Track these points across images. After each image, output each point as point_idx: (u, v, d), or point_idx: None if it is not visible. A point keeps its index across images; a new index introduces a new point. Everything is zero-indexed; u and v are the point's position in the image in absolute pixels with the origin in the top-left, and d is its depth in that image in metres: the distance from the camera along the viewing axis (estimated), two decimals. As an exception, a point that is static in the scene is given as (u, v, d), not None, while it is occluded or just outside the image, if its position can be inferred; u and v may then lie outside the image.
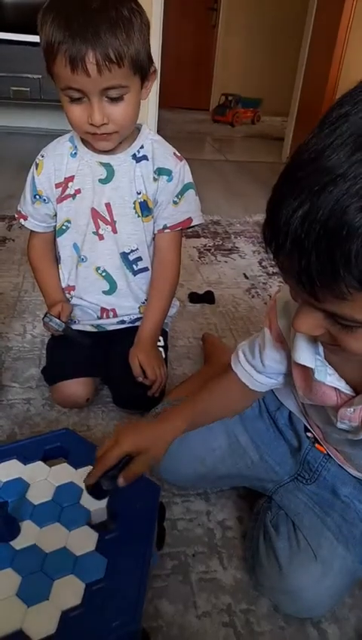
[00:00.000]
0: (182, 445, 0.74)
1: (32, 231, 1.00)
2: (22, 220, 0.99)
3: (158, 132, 0.99)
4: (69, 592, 0.58)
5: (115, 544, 0.63)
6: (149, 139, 0.92)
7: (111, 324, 1.03)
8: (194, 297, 1.38)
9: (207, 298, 1.39)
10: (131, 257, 0.98)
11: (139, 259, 0.98)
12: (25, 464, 0.73)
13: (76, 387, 0.97)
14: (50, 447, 0.77)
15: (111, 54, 0.72)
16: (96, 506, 0.68)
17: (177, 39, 4.84)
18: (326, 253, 0.34)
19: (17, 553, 0.61)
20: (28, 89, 2.60)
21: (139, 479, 0.72)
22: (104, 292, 1.00)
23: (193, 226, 0.98)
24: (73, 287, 1.01)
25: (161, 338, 1.04)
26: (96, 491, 0.67)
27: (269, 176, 2.17)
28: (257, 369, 0.69)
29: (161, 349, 1.03)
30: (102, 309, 1.02)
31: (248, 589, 0.70)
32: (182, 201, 0.94)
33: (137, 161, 0.91)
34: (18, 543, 0.63)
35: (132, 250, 0.97)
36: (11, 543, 0.63)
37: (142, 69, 0.79)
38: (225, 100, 4.81)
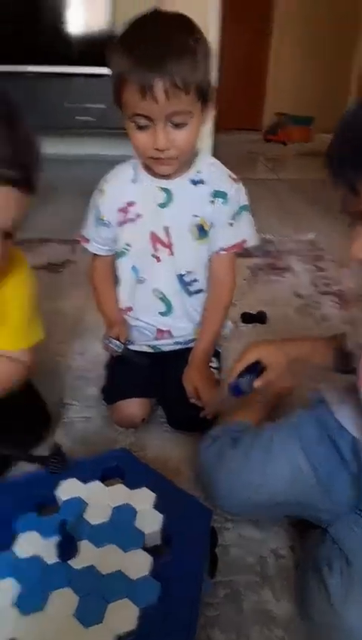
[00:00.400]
0: (238, 471, 0.74)
1: (94, 254, 1.06)
2: (84, 244, 1.05)
3: (214, 155, 1.02)
4: (123, 616, 0.59)
5: (167, 569, 0.64)
6: (206, 163, 0.96)
7: (167, 344, 1.06)
8: (246, 317, 1.38)
9: (259, 318, 1.38)
10: (187, 279, 1.00)
11: (195, 280, 1.01)
12: (84, 483, 0.76)
13: (133, 407, 0.99)
14: (108, 467, 0.79)
15: (178, 82, 0.77)
16: (151, 529, 0.69)
17: (231, 67, 4.90)
18: None
19: (76, 573, 0.64)
20: (91, 118, 2.73)
21: (192, 504, 0.73)
22: (160, 313, 1.03)
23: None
24: (131, 308, 1.05)
25: (214, 359, 1.05)
26: (234, 390, 0.84)
27: (321, 193, 2.13)
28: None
29: (214, 370, 1.04)
30: (159, 330, 1.04)
31: (302, 622, 0.68)
32: (237, 223, 0.97)
33: (195, 185, 0.94)
34: (76, 563, 0.65)
35: (188, 272, 1.00)
36: (69, 562, 0.65)
37: (204, 95, 0.83)
38: (277, 119, 4.84)
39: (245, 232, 0.99)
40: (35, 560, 0.65)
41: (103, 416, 1.06)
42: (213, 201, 0.95)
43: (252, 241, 1.00)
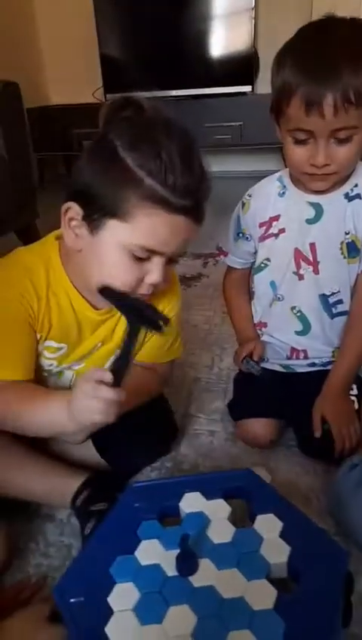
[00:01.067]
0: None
1: (228, 266, 1.05)
2: (222, 257, 1.03)
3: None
4: (243, 648, 0.55)
5: (294, 607, 0.58)
6: None
7: (300, 365, 0.99)
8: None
9: None
10: (331, 300, 0.93)
11: (340, 302, 0.93)
12: (207, 499, 0.74)
13: (260, 426, 0.95)
14: (232, 485, 0.76)
15: (351, 95, 0.70)
16: (277, 560, 0.64)
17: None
18: None
19: (195, 591, 0.61)
20: (229, 136, 2.78)
21: (325, 540, 0.66)
22: (296, 332, 0.97)
23: None
24: (265, 324, 1.01)
25: (354, 386, 0.95)
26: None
27: None
28: None
29: (354, 398, 0.94)
30: (293, 349, 0.98)
31: None
32: None
33: (349, 200, 0.86)
34: (196, 581, 0.63)
35: (333, 293, 0.92)
36: (190, 578, 0.63)
37: None
38: None
39: None
40: (157, 569, 0.64)
41: (228, 432, 1.03)
42: None
43: None
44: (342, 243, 0.88)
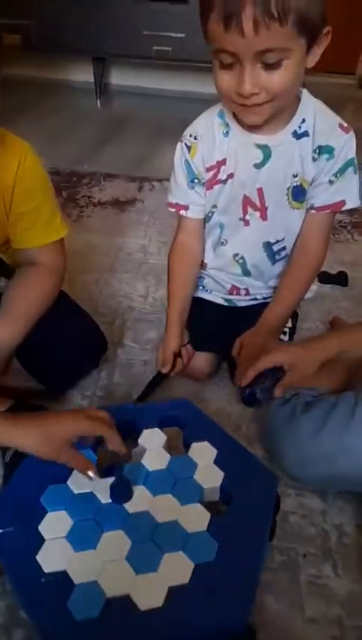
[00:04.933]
0: (311, 439, 0.68)
1: (181, 225, 0.91)
2: (183, 212, 0.88)
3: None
4: (177, 568, 0.56)
5: (227, 528, 0.60)
6: (311, 109, 0.78)
7: (242, 300, 0.98)
8: (324, 277, 1.27)
9: (339, 279, 1.27)
10: (275, 248, 0.89)
11: (283, 249, 0.90)
12: (143, 428, 0.73)
13: (200, 361, 0.94)
14: (168, 414, 0.75)
15: (272, 8, 0.58)
16: (211, 485, 0.65)
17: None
18: None
19: (129, 516, 0.61)
20: (170, 48, 2.56)
21: (257, 466, 0.69)
22: (237, 274, 0.94)
23: (344, 211, 0.85)
24: (206, 265, 0.96)
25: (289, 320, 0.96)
26: (249, 398, 0.75)
27: None
28: None
29: (286, 330, 0.96)
30: (233, 287, 0.96)
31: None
32: (340, 180, 0.81)
33: (298, 138, 0.79)
34: (131, 507, 0.62)
35: (277, 241, 0.88)
36: (124, 505, 0.63)
37: (310, 30, 0.64)
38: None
39: (347, 191, 0.82)
40: (90, 497, 0.63)
41: (162, 361, 1.02)
42: (316, 158, 0.79)
43: (352, 202, 0.82)
44: (288, 188, 0.82)
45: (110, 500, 0.63)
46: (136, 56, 2.62)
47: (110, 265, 1.33)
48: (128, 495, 0.63)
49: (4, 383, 0.81)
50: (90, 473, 0.62)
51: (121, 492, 0.63)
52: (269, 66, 0.64)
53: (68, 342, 0.84)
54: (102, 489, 0.63)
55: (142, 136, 2.27)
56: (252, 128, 0.78)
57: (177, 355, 0.90)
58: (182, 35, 2.48)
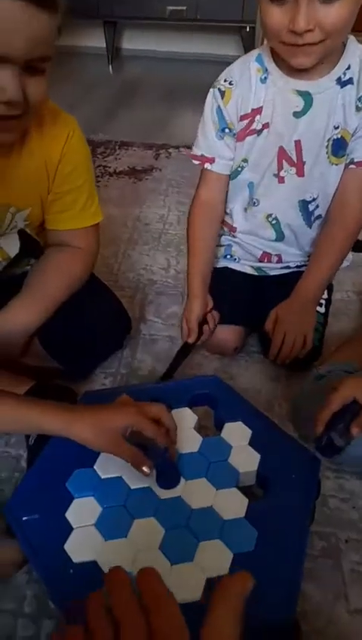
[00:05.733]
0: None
1: (205, 180, 0.83)
2: (208, 165, 0.81)
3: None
4: (215, 558, 0.52)
5: (266, 515, 0.56)
6: (357, 55, 0.71)
7: (274, 268, 0.91)
8: (357, 245, 1.19)
9: (374, 247, 1.19)
10: (311, 207, 0.82)
11: (318, 209, 0.82)
12: (171, 408, 0.68)
13: (227, 334, 0.89)
14: (198, 393, 0.71)
15: None
16: (247, 469, 0.61)
17: None
18: None
19: (161, 503, 0.57)
20: (184, 7, 2.42)
21: (295, 448, 0.64)
22: (270, 239, 0.87)
23: None
24: (235, 229, 0.89)
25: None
26: (327, 448, 0.63)
27: None
28: None
29: (322, 301, 0.89)
30: (265, 253, 0.90)
31: None
32: None
33: (342, 86, 0.71)
34: (162, 492, 0.58)
35: (313, 199, 0.81)
36: (155, 490, 0.59)
37: None
38: None
39: None
40: (119, 482, 0.59)
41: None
42: (360, 107, 0.72)
43: None
44: (328, 140, 0.75)
45: (139, 485, 0.59)
46: (150, 17, 2.49)
47: (128, 237, 1.27)
48: (176, 478, 0.59)
49: (24, 363, 0.77)
50: (146, 469, 0.57)
51: (169, 475, 0.59)
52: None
53: (93, 326, 0.79)
54: (130, 473, 0.59)
55: (157, 102, 2.17)
56: (293, 73, 0.71)
57: (203, 322, 0.85)
58: (198, -8, 2.35)
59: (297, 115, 0.74)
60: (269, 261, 0.90)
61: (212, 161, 0.81)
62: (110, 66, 2.64)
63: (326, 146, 0.76)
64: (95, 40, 2.79)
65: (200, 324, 0.84)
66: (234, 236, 0.90)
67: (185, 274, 1.10)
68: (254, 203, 0.84)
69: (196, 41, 2.80)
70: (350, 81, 0.71)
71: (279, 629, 0.49)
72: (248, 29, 2.43)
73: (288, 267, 0.91)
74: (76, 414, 0.57)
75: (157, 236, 1.28)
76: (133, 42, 2.87)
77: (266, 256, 0.90)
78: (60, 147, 0.69)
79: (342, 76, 0.71)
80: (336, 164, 0.77)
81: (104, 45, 2.68)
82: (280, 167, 0.78)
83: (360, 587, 0.60)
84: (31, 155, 0.67)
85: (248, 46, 2.50)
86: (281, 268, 0.91)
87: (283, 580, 0.51)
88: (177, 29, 2.75)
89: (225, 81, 0.76)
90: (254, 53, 0.75)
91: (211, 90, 0.77)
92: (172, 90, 2.35)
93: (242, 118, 0.76)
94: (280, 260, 0.90)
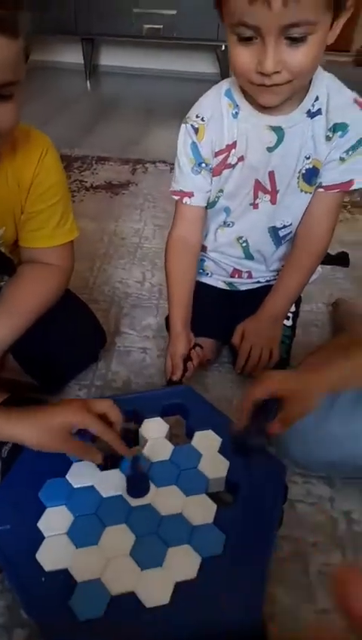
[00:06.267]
0: (316, 425, 0.65)
1: (180, 215, 0.84)
2: (186, 200, 0.81)
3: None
4: (184, 563, 0.54)
5: (234, 520, 0.58)
6: (324, 85, 0.72)
7: (245, 283, 0.94)
8: (325, 258, 1.23)
9: (341, 260, 1.24)
10: (281, 233, 0.85)
11: (289, 234, 0.86)
12: (144, 418, 0.70)
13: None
14: (169, 402, 0.73)
15: None
16: (216, 475, 0.63)
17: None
18: None
19: (132, 510, 0.59)
20: (161, 26, 2.48)
21: (263, 455, 0.66)
22: (239, 257, 0.90)
23: (355, 190, 0.79)
24: (206, 248, 0.92)
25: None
26: (241, 446, 0.63)
27: None
28: None
29: (289, 315, 0.92)
30: (235, 270, 0.93)
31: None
32: (351, 158, 0.76)
33: (311, 117, 0.73)
34: (133, 500, 0.60)
35: (284, 226, 0.84)
36: (127, 498, 0.60)
37: (338, 3, 0.59)
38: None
39: (357, 170, 0.76)
40: (91, 491, 0.61)
41: (161, 349, 0.99)
42: (330, 137, 0.74)
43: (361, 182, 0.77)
44: (299, 172, 0.78)
45: (110, 494, 0.60)
46: (127, 35, 2.54)
47: (104, 251, 1.29)
48: (146, 488, 0.61)
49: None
50: (96, 459, 0.59)
51: (139, 485, 0.61)
52: (294, 42, 0.60)
53: (67, 342, 0.81)
54: (102, 482, 0.61)
55: (134, 118, 2.21)
56: (263, 109, 0.72)
57: (187, 359, 0.85)
58: (173, 12, 2.42)
59: (270, 149, 0.76)
60: (240, 277, 0.94)
61: (191, 195, 0.81)
62: (88, 82, 2.68)
63: (298, 176, 0.78)
64: (73, 56, 2.83)
65: (184, 361, 0.85)
66: (205, 253, 0.93)
67: (160, 287, 1.13)
68: (228, 225, 0.87)
69: (172, 58, 2.87)
70: (319, 112, 0.74)
71: (247, 632, 0.51)
72: (223, 48, 2.50)
73: (258, 282, 0.94)
74: (15, 417, 0.58)
75: (132, 250, 1.31)
76: (111, 59, 2.93)
77: (236, 272, 0.93)
78: (33, 167, 0.70)
79: (311, 108, 0.73)
80: (308, 192, 0.80)
81: (82, 61, 2.73)
82: (256, 197, 0.81)
83: (326, 589, 0.62)
84: (4, 176, 0.69)
85: (224, 64, 2.57)
86: (252, 283, 0.94)
87: (250, 582, 0.53)
88: (154, 46, 2.81)
89: (196, 117, 0.77)
90: (223, 86, 0.76)
91: (183, 125, 0.78)
92: (149, 106, 2.40)
93: (217, 154, 0.78)
94: (250, 276, 0.93)
